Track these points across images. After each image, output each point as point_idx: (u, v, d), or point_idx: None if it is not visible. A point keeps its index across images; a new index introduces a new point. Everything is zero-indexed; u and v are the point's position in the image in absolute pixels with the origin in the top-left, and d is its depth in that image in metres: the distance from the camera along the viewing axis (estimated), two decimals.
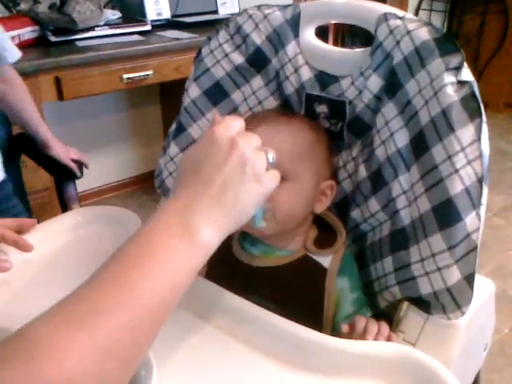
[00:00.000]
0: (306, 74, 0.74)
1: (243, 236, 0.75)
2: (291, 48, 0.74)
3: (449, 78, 0.59)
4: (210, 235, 0.45)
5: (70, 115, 2.23)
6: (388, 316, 0.68)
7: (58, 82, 1.69)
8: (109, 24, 1.96)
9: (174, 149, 0.84)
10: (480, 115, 0.59)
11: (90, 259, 0.57)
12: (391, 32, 0.65)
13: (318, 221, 0.76)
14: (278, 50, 0.75)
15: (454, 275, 0.60)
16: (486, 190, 0.60)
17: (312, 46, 0.74)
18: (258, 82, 0.79)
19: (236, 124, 0.50)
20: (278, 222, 0.68)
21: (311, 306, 0.69)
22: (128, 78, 1.83)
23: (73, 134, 2.07)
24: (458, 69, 0.59)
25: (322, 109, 0.75)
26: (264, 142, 0.51)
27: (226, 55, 0.78)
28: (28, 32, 1.74)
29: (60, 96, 1.71)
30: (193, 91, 0.81)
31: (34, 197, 1.59)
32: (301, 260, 0.72)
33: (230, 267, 0.73)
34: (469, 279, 0.60)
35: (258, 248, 0.74)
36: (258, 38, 0.76)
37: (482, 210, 0.60)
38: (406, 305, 0.65)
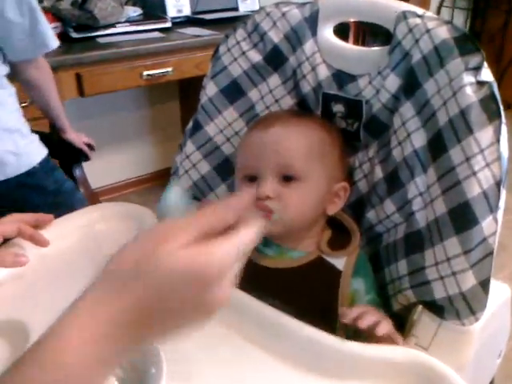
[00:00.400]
0: (324, 72, 0.73)
1: None
2: (309, 46, 0.74)
3: (468, 79, 0.58)
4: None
5: (90, 111, 2.25)
6: (402, 319, 0.67)
7: (78, 78, 1.70)
8: (130, 21, 1.98)
9: (190, 147, 0.84)
10: (499, 116, 0.58)
11: (104, 256, 0.57)
12: (410, 30, 0.64)
13: (332, 222, 0.75)
14: (296, 48, 0.75)
15: (469, 280, 0.59)
16: (504, 193, 0.59)
17: (330, 44, 0.73)
18: (274, 80, 0.78)
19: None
20: (286, 223, 0.68)
21: (325, 307, 0.69)
22: (148, 75, 1.84)
23: (92, 130, 2.08)
24: (477, 69, 0.58)
25: (338, 108, 0.74)
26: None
27: (243, 53, 0.78)
28: None
29: (81, 92, 1.73)
30: (210, 89, 0.81)
31: None
32: (315, 262, 0.71)
33: (243, 267, 0.73)
34: (484, 284, 0.59)
35: (271, 249, 0.73)
36: (275, 36, 0.75)
37: (500, 213, 0.58)
38: (419, 309, 0.65)
